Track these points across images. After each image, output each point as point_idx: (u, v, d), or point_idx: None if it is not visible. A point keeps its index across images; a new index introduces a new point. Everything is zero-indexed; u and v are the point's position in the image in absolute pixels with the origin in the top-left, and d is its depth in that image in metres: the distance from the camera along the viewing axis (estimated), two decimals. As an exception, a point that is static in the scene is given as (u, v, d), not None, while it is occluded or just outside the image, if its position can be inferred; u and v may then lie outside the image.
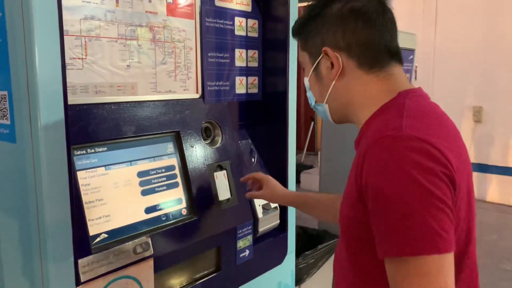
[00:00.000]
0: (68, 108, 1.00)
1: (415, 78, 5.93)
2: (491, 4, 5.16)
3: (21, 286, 1.10)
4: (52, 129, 0.98)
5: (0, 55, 1.02)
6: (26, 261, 1.08)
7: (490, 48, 5.22)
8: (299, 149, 7.56)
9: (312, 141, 7.69)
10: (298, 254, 2.31)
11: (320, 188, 3.11)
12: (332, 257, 2.55)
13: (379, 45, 0.90)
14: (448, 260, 0.73)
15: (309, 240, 2.60)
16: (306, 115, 7.64)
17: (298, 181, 6.41)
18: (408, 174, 0.72)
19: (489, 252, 3.82)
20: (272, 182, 1.41)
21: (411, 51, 2.93)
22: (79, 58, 1.13)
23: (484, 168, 5.38)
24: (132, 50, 1.25)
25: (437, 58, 5.66)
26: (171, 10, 1.35)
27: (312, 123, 7.41)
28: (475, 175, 5.43)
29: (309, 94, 1.03)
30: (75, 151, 1.11)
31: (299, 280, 2.31)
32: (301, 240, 2.64)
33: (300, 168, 6.64)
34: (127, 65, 1.25)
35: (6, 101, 1.03)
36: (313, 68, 0.96)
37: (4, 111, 1.04)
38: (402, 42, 2.85)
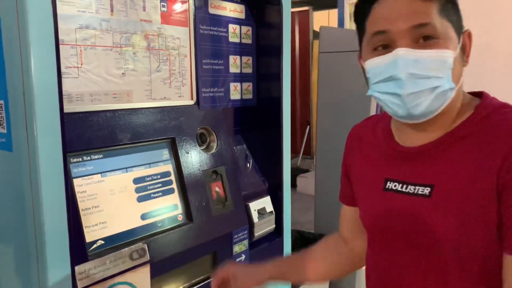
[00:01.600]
0: (64, 117, 1.01)
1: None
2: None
3: (18, 293, 1.11)
4: (48, 138, 0.99)
5: (-4, 65, 1.03)
6: (23, 268, 1.08)
7: (485, 49, 5.26)
8: (295, 153, 7.58)
9: (308, 145, 7.71)
10: (294, 258, 2.33)
11: (316, 192, 3.12)
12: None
13: None
14: None
15: (306, 244, 2.62)
16: (302, 118, 7.67)
17: (294, 185, 6.42)
18: None
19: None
20: (237, 273, 1.09)
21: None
22: (74, 67, 1.14)
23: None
24: (127, 58, 1.27)
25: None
26: (166, 18, 1.36)
27: (308, 127, 7.44)
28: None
29: (441, 72, 0.77)
30: (71, 159, 1.12)
31: (295, 286, 2.32)
32: (298, 245, 2.65)
33: (296, 172, 6.66)
34: (122, 73, 1.26)
35: (2, 110, 1.04)
36: (460, 44, 0.81)
37: (0, 120, 1.06)
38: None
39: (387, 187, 0.88)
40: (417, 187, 0.82)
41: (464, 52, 0.83)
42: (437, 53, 0.76)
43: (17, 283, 1.11)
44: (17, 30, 0.97)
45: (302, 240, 2.68)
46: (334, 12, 7.44)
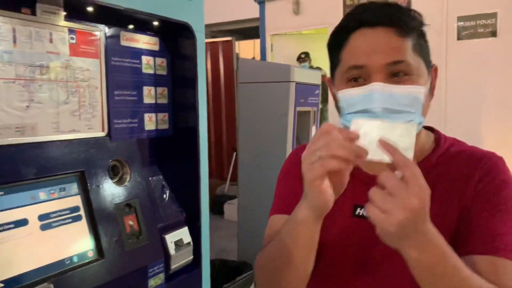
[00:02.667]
0: (-44, 153, 0.95)
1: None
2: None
3: None
4: None
5: None
6: None
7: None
8: (222, 179, 7.59)
9: (235, 171, 7.76)
10: (217, 287, 2.32)
11: (238, 219, 3.15)
12: (251, 288, 2.58)
13: None
14: None
15: (228, 272, 2.62)
16: (229, 145, 7.74)
17: (222, 212, 6.40)
18: None
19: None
20: None
21: (317, 86, 3.14)
22: (-30, 100, 1.09)
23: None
24: (31, 90, 1.23)
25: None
26: (74, 50, 1.34)
27: (235, 153, 7.52)
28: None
29: (413, 107, 0.83)
30: (-35, 198, 1.05)
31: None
32: (221, 273, 2.64)
33: (223, 199, 6.66)
34: (27, 106, 1.22)
35: None
36: (430, 80, 0.89)
37: None
38: (309, 77, 3.07)
39: (356, 213, 0.92)
40: None
41: (431, 86, 0.90)
42: (410, 89, 0.81)
43: None
44: None
45: (225, 269, 2.68)
46: (259, 42, 7.70)
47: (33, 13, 1.23)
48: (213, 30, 10.93)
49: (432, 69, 0.90)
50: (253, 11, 7.36)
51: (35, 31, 1.24)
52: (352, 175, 0.86)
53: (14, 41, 1.18)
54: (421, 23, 0.89)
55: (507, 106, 4.96)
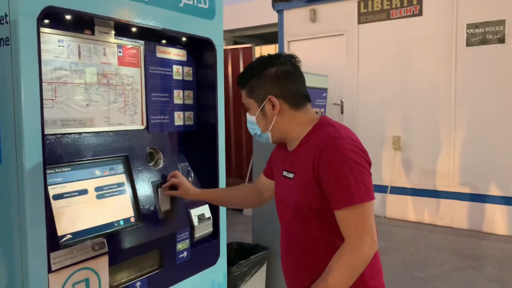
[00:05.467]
0: (44, 137, 1.34)
1: (341, 112, 6.61)
2: (402, 45, 5.96)
3: (4, 273, 1.39)
4: (32, 153, 1.31)
5: (-10, 98, 1.35)
6: (8, 256, 1.37)
7: (405, 85, 5.99)
8: (242, 179, 7.96)
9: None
10: (234, 264, 2.67)
11: (253, 212, 3.50)
12: (264, 267, 2.93)
13: (299, 92, 1.44)
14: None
15: (244, 253, 2.96)
16: (248, 147, 8.10)
17: (240, 209, 6.75)
18: (350, 157, 1.28)
19: (404, 262, 4.36)
20: (185, 184, 1.81)
21: (324, 89, 3.47)
22: (50, 99, 1.48)
23: (403, 190, 6.04)
24: (90, 92, 1.62)
25: (361, 93, 6.37)
26: (121, 61, 1.73)
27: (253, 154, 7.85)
28: (395, 197, 6.09)
29: (253, 126, 1.48)
30: (47, 170, 1.44)
31: (234, 287, 2.66)
32: (237, 254, 2.99)
33: (242, 196, 7.00)
34: (87, 104, 1.61)
35: (-6, 132, 1.36)
36: (260, 109, 1.44)
37: (-9, 140, 1.36)
38: (317, 82, 3.39)
39: (283, 174, 1.47)
40: (288, 174, 1.45)
41: (267, 110, 1.43)
42: (248, 117, 1.49)
43: (3, 268, 1.39)
44: (10, 71, 1.30)
45: (241, 250, 3.03)
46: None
47: (93, 33, 1.62)
48: (235, 35, 11.36)
49: (267, 101, 1.42)
50: (273, 17, 7.73)
51: (93, 47, 1.63)
52: (282, 150, 1.52)
53: (79, 55, 1.57)
54: (245, 80, 1.46)
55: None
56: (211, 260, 2.06)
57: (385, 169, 6.17)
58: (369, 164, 1.34)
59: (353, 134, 1.39)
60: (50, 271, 1.36)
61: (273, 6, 7.32)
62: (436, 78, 5.75)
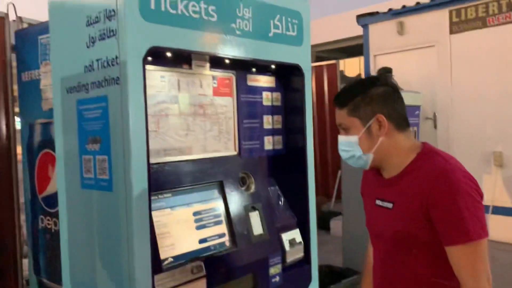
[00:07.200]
0: (150, 166, 1.45)
1: (435, 126, 6.26)
2: (501, 54, 5.54)
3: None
4: (139, 181, 1.42)
5: (103, 132, 1.49)
6: (118, 278, 1.49)
7: (505, 96, 5.53)
8: (328, 197, 7.85)
9: (340, 189, 7.95)
10: (325, 287, 2.63)
11: (343, 231, 3.43)
12: (355, 292, 2.84)
13: (403, 113, 1.39)
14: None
15: (334, 277, 2.92)
16: (334, 164, 7.99)
17: (328, 228, 6.64)
18: (464, 190, 1.22)
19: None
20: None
21: (417, 107, 3.32)
22: (153, 131, 1.60)
23: (507, 211, 5.52)
24: (188, 123, 1.72)
25: (455, 107, 6.00)
26: (216, 91, 1.82)
27: (340, 171, 7.73)
28: (498, 218, 5.57)
29: (351, 148, 1.39)
30: (151, 197, 1.55)
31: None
32: (327, 277, 2.94)
33: (329, 215, 6.90)
34: (186, 134, 1.71)
35: (106, 162, 1.49)
36: (365, 128, 1.37)
37: (104, 169, 1.50)
38: (409, 100, 3.24)
39: (376, 204, 1.41)
40: (385, 203, 1.38)
41: (373, 130, 1.35)
42: (346, 138, 1.39)
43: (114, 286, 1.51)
44: (120, 107, 1.43)
45: (332, 273, 2.98)
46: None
47: (190, 67, 1.73)
48: (317, 50, 11.35)
49: (374, 120, 1.34)
50: (356, 30, 7.61)
51: (191, 80, 1.73)
52: (374, 176, 1.45)
53: (178, 88, 1.69)
54: (347, 99, 1.37)
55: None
56: (303, 285, 2.05)
57: (486, 187, 5.69)
58: (481, 196, 1.26)
59: (462, 165, 1.31)
60: (154, 292, 1.46)
61: (358, 21, 7.22)
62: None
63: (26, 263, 2.76)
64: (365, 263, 1.67)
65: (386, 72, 6.29)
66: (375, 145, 1.36)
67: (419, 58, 6.45)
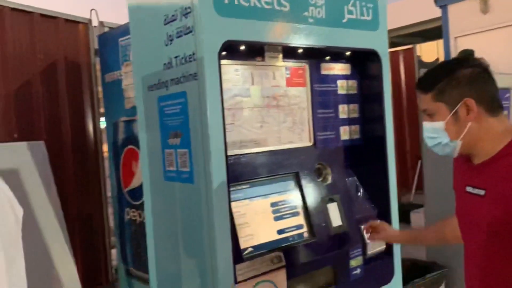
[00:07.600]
0: (227, 158, 1.47)
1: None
2: None
3: (196, 283, 1.57)
4: (218, 173, 1.45)
5: (183, 127, 1.54)
6: (200, 266, 1.54)
7: None
8: (407, 188, 7.52)
9: (421, 179, 7.58)
10: (408, 283, 2.52)
11: (426, 224, 3.27)
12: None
13: (495, 96, 1.27)
14: None
15: (418, 271, 2.78)
16: (412, 154, 7.63)
17: (408, 221, 6.37)
18: None
19: None
20: (385, 226, 1.79)
21: (508, 90, 3.05)
22: (230, 123, 1.62)
23: None
24: (263, 115, 1.73)
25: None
26: (289, 82, 1.81)
27: (419, 161, 7.36)
28: None
29: (437, 135, 1.30)
30: (230, 188, 1.58)
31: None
32: (410, 271, 2.82)
33: (409, 207, 6.61)
34: (260, 126, 1.72)
35: (186, 155, 1.54)
36: (451, 113, 1.28)
37: (185, 162, 1.56)
38: (499, 82, 2.99)
39: (466, 190, 1.32)
40: (476, 190, 1.28)
41: (461, 115, 1.25)
42: (431, 124, 1.30)
43: (196, 277, 1.57)
44: (198, 102, 1.47)
45: (415, 267, 2.85)
46: (441, 42, 7.44)
47: (263, 59, 1.73)
48: (391, 35, 10.84)
49: (461, 104, 1.24)
50: (434, 11, 7.18)
51: (264, 72, 1.74)
52: (464, 163, 1.34)
53: (252, 82, 1.70)
54: (432, 83, 1.28)
55: None
56: (385, 278, 1.98)
57: None
58: None
59: None
60: (236, 282, 1.48)
61: (436, 2, 6.80)
62: None
63: (114, 253, 2.95)
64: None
65: (467, 54, 5.86)
66: (463, 131, 1.26)
67: (507, 37, 5.93)
